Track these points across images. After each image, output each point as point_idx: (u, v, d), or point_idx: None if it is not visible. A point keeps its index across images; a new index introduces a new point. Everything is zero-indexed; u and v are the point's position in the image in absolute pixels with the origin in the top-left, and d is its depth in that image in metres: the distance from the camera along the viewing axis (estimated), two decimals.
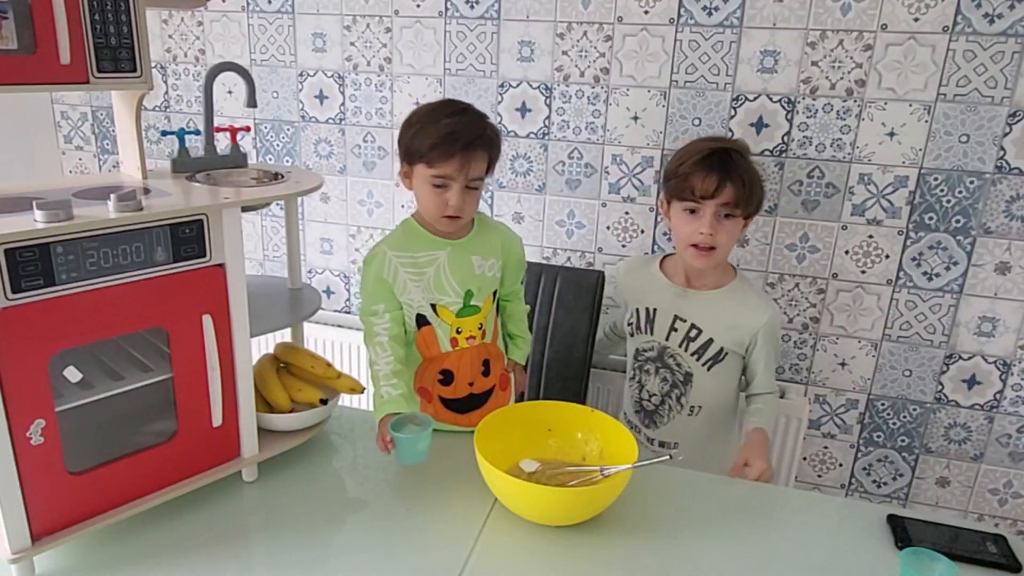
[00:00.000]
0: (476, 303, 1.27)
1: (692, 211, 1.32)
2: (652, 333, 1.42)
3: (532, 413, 1.22)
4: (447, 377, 1.29)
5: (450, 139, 1.16)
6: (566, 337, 1.69)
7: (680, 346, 1.40)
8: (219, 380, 1.06)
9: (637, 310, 1.45)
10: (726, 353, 1.38)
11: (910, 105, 1.58)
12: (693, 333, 1.38)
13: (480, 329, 1.29)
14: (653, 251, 1.83)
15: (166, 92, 2.08)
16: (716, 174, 1.28)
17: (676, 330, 1.39)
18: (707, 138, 1.39)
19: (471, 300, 1.26)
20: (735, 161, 1.30)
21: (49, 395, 0.90)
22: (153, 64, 2.04)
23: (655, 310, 1.42)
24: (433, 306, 1.25)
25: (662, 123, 1.74)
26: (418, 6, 1.82)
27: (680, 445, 1.44)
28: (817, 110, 1.63)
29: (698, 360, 1.39)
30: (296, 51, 1.94)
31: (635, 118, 1.75)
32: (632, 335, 1.48)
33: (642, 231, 1.82)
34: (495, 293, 1.31)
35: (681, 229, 1.34)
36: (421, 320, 1.27)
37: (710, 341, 1.37)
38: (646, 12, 1.67)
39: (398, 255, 1.24)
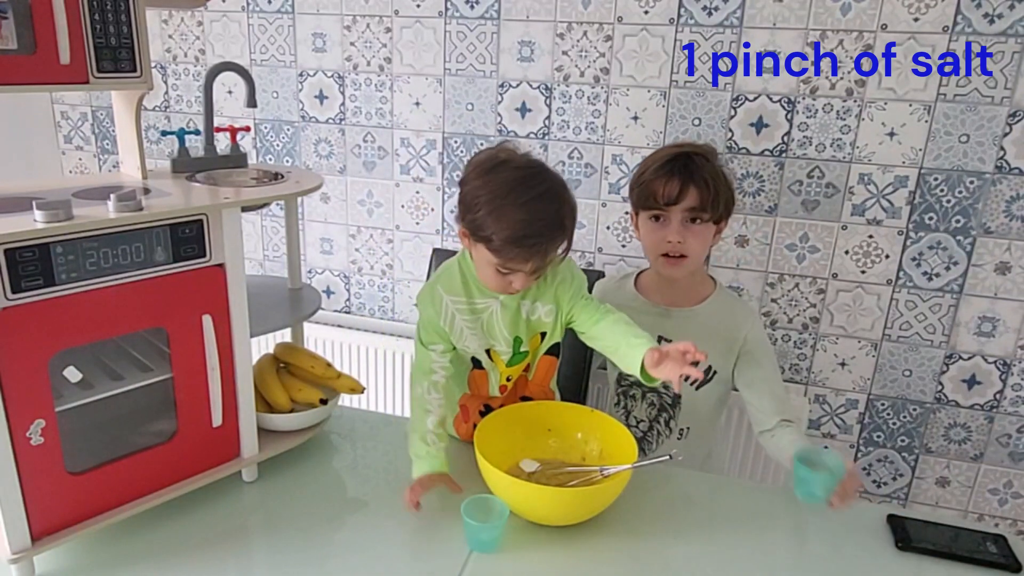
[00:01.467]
0: (524, 349, 1.21)
1: (657, 218, 1.28)
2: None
3: (532, 413, 1.21)
4: (487, 409, 1.24)
5: (524, 243, 1.03)
6: (566, 337, 1.68)
7: None
8: (219, 380, 1.06)
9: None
10: (714, 372, 1.34)
11: (910, 105, 1.58)
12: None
13: (526, 371, 1.24)
14: None
15: (166, 92, 2.08)
16: (678, 178, 1.24)
17: None
18: (671, 145, 1.35)
19: (520, 347, 1.20)
20: (697, 164, 1.25)
21: (49, 395, 0.90)
22: (153, 64, 2.04)
23: None
24: (488, 351, 1.20)
25: (662, 123, 1.74)
26: (418, 6, 1.82)
27: None
28: (817, 110, 1.63)
29: (686, 380, 1.31)
30: (296, 51, 1.94)
31: (635, 118, 1.75)
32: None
33: None
34: (543, 334, 1.23)
35: (649, 238, 1.30)
36: (476, 362, 1.21)
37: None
38: (646, 12, 1.67)
39: (455, 300, 1.16)
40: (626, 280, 1.43)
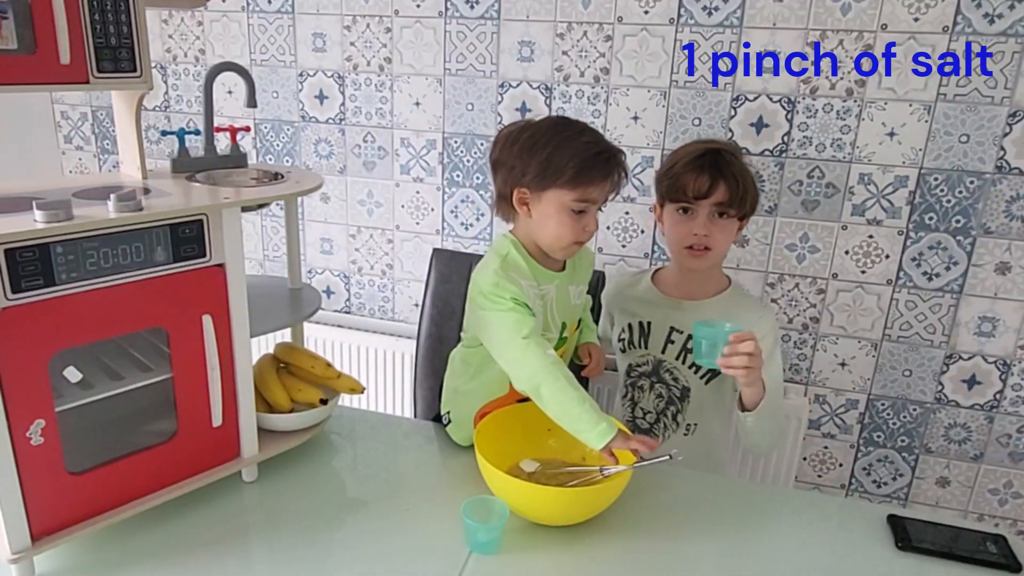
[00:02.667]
0: (566, 334, 1.24)
1: (685, 211, 1.30)
2: (646, 347, 1.39)
3: (532, 413, 1.21)
4: (523, 400, 1.23)
5: (602, 157, 1.08)
6: None
7: (677, 359, 1.36)
8: (219, 380, 1.06)
9: (630, 324, 1.41)
10: None
11: (910, 105, 1.58)
12: (691, 344, 1.33)
13: (562, 354, 1.25)
14: (653, 251, 1.83)
15: (166, 92, 2.08)
16: (708, 173, 1.26)
17: (672, 342, 1.36)
18: (699, 140, 1.38)
19: (564, 332, 1.22)
20: (727, 161, 1.28)
21: (49, 395, 0.90)
22: (153, 64, 2.03)
23: (649, 323, 1.38)
24: None
25: (662, 123, 1.74)
26: (418, 6, 1.82)
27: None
28: (817, 110, 1.63)
29: (696, 372, 1.36)
30: (296, 51, 1.94)
31: (635, 118, 1.75)
32: (624, 351, 1.44)
33: (642, 231, 1.82)
34: (579, 320, 1.28)
35: (675, 231, 1.32)
36: None
37: None
38: (646, 12, 1.67)
39: (529, 285, 1.14)
40: (643, 274, 1.45)
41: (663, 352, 1.38)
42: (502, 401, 1.24)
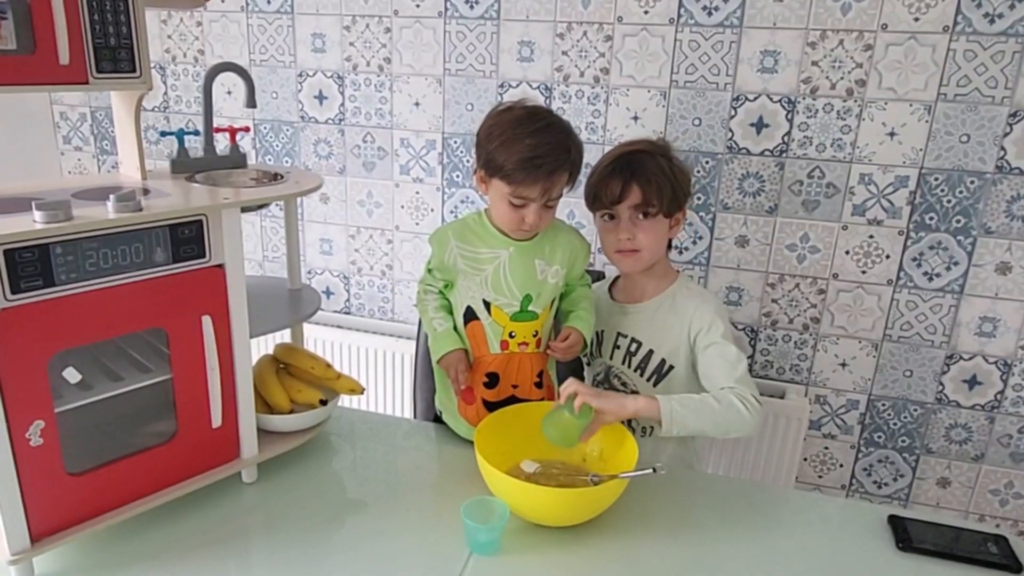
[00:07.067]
0: (534, 309, 1.24)
1: (611, 217, 1.31)
2: (601, 355, 1.40)
3: (532, 413, 1.21)
4: (492, 380, 1.26)
5: (533, 164, 1.13)
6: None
7: (623, 363, 1.36)
8: (219, 381, 1.06)
9: (592, 337, 1.40)
10: (670, 366, 1.32)
11: (910, 105, 1.58)
12: (633, 347, 1.34)
13: (535, 336, 1.25)
14: None
15: (165, 92, 2.08)
16: (620, 178, 1.27)
17: (619, 347, 1.36)
18: (620, 145, 1.37)
19: (529, 305, 1.23)
20: (639, 162, 1.28)
21: (48, 396, 0.90)
22: (152, 64, 2.03)
23: (602, 331, 1.39)
24: (488, 304, 1.23)
25: (662, 123, 1.74)
26: (418, 6, 1.82)
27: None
28: (817, 110, 1.63)
29: (642, 375, 1.34)
30: (295, 51, 1.94)
31: (635, 118, 1.75)
32: (589, 364, 1.46)
33: None
34: (554, 301, 1.28)
35: (605, 238, 1.33)
36: (470, 313, 1.24)
37: (650, 352, 1.33)
38: (646, 12, 1.67)
39: (460, 246, 1.24)
40: (603, 284, 1.47)
41: (611, 358, 1.38)
42: (474, 376, 1.26)
